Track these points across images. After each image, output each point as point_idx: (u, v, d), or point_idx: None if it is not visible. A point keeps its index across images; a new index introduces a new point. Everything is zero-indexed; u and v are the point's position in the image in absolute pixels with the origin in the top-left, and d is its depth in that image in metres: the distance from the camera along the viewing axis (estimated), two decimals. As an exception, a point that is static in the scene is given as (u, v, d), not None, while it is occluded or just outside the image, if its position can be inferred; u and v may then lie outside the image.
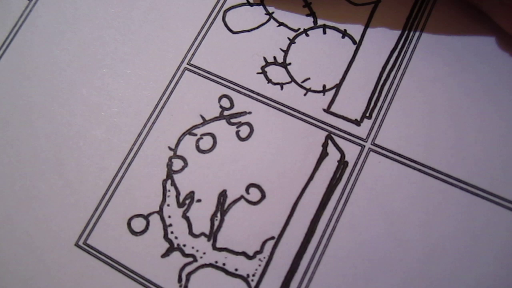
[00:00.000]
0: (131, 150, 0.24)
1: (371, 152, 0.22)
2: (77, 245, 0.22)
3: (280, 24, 0.25)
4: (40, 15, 0.27)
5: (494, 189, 0.21)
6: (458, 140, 0.22)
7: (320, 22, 0.25)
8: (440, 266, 0.20)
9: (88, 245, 0.22)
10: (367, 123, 0.23)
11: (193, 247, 0.22)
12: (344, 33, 0.24)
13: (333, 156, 0.22)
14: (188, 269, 0.21)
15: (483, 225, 0.20)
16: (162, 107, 0.24)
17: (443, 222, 0.21)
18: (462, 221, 0.21)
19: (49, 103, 0.25)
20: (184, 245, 0.22)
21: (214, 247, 0.22)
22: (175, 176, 0.23)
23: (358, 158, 0.22)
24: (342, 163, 0.22)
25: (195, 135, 0.23)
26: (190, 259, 0.22)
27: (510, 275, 0.20)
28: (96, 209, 0.23)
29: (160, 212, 0.22)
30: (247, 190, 0.22)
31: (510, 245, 0.20)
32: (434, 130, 0.22)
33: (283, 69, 0.24)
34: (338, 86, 0.23)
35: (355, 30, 0.24)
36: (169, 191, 0.23)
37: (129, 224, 0.22)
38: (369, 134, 0.23)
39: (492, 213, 0.21)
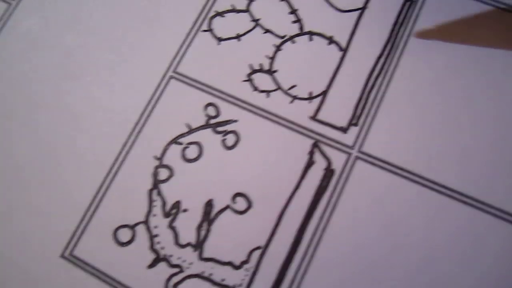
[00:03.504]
0: (116, 159, 0.23)
1: (357, 159, 0.22)
2: (63, 256, 0.22)
3: (266, 31, 0.25)
4: (21, 20, 0.26)
5: (482, 196, 0.21)
6: (446, 147, 0.22)
7: (306, 28, 0.25)
8: (430, 274, 0.20)
9: (74, 257, 0.22)
10: (353, 131, 0.23)
11: (179, 258, 0.22)
12: (331, 40, 0.24)
13: (320, 164, 0.22)
14: (175, 279, 0.21)
15: (471, 233, 0.21)
16: (148, 116, 0.24)
17: (431, 230, 0.21)
18: (450, 229, 0.21)
19: (33, 112, 0.25)
20: (171, 256, 0.22)
21: (201, 258, 0.21)
22: (161, 186, 0.23)
23: (344, 166, 0.22)
24: (328, 172, 0.22)
25: (181, 144, 0.23)
26: (177, 269, 0.21)
27: (503, 283, 0.20)
28: (82, 220, 0.23)
29: (146, 222, 0.22)
30: (233, 199, 0.22)
31: (500, 253, 0.20)
32: (421, 137, 0.22)
33: (270, 76, 0.24)
34: (324, 93, 0.23)
35: (342, 36, 0.24)
36: (155, 201, 0.23)
37: (115, 234, 0.22)
38: (355, 142, 0.22)
39: (479, 220, 0.21)
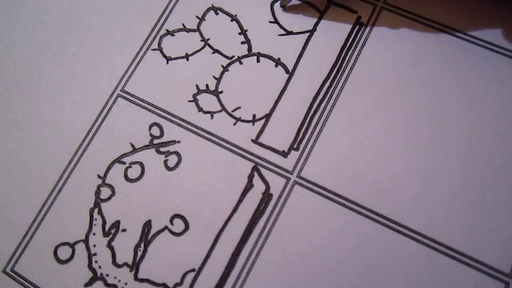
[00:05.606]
0: (61, 177, 0.24)
1: (296, 185, 0.22)
2: (4, 271, 0.23)
3: (215, 51, 0.25)
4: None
5: (414, 225, 0.21)
6: (383, 176, 0.22)
7: (254, 49, 0.25)
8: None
9: (15, 272, 0.23)
10: (294, 155, 0.23)
11: (115, 277, 0.22)
12: (278, 62, 0.24)
13: (258, 188, 0.22)
14: (110, 299, 0.22)
15: (402, 260, 0.21)
16: (94, 134, 0.24)
17: (364, 257, 0.21)
18: (383, 257, 0.21)
19: (-17, 127, 0.25)
20: (107, 275, 0.22)
21: (136, 278, 0.22)
22: (103, 205, 0.23)
23: (282, 191, 0.22)
24: (266, 196, 0.22)
25: (124, 163, 0.23)
26: (112, 289, 0.22)
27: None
28: (25, 235, 0.23)
29: (85, 240, 0.23)
30: (171, 220, 0.22)
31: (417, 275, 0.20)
32: (360, 164, 0.22)
33: (215, 97, 0.24)
34: (268, 116, 0.23)
35: (289, 59, 0.24)
36: (95, 219, 0.23)
37: (55, 252, 0.23)
38: (295, 167, 0.23)
39: (410, 248, 0.21)
